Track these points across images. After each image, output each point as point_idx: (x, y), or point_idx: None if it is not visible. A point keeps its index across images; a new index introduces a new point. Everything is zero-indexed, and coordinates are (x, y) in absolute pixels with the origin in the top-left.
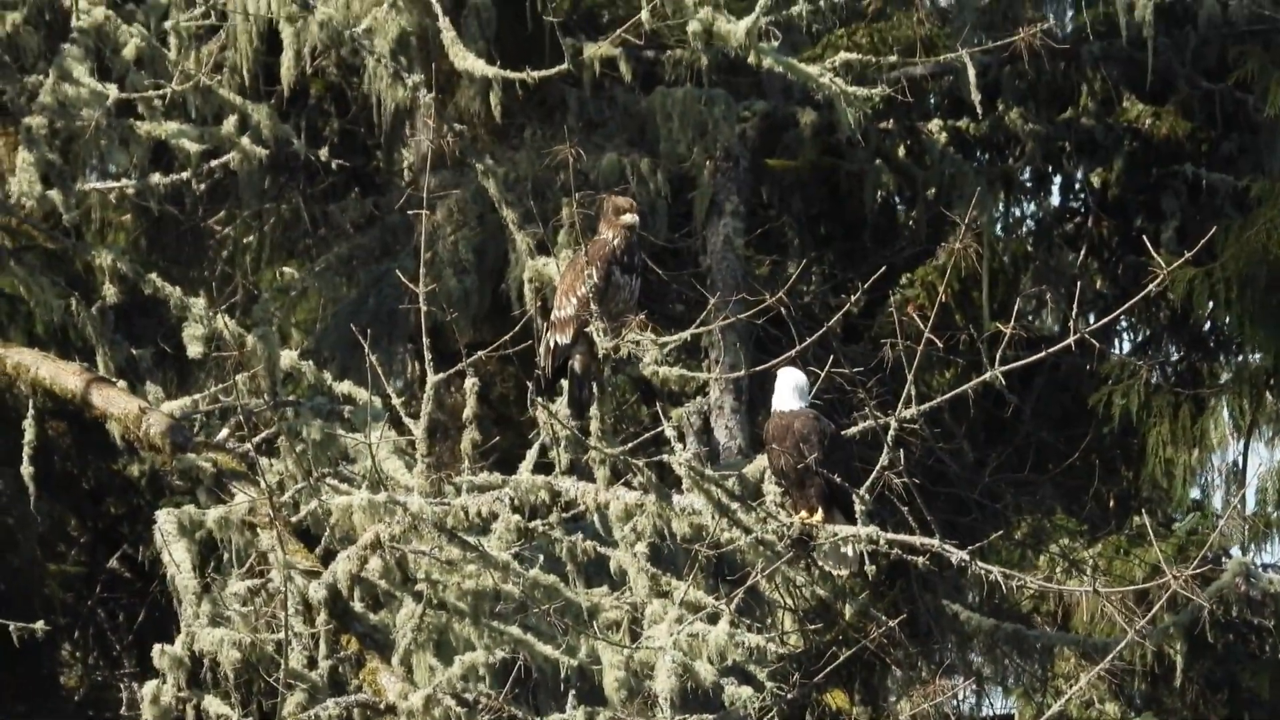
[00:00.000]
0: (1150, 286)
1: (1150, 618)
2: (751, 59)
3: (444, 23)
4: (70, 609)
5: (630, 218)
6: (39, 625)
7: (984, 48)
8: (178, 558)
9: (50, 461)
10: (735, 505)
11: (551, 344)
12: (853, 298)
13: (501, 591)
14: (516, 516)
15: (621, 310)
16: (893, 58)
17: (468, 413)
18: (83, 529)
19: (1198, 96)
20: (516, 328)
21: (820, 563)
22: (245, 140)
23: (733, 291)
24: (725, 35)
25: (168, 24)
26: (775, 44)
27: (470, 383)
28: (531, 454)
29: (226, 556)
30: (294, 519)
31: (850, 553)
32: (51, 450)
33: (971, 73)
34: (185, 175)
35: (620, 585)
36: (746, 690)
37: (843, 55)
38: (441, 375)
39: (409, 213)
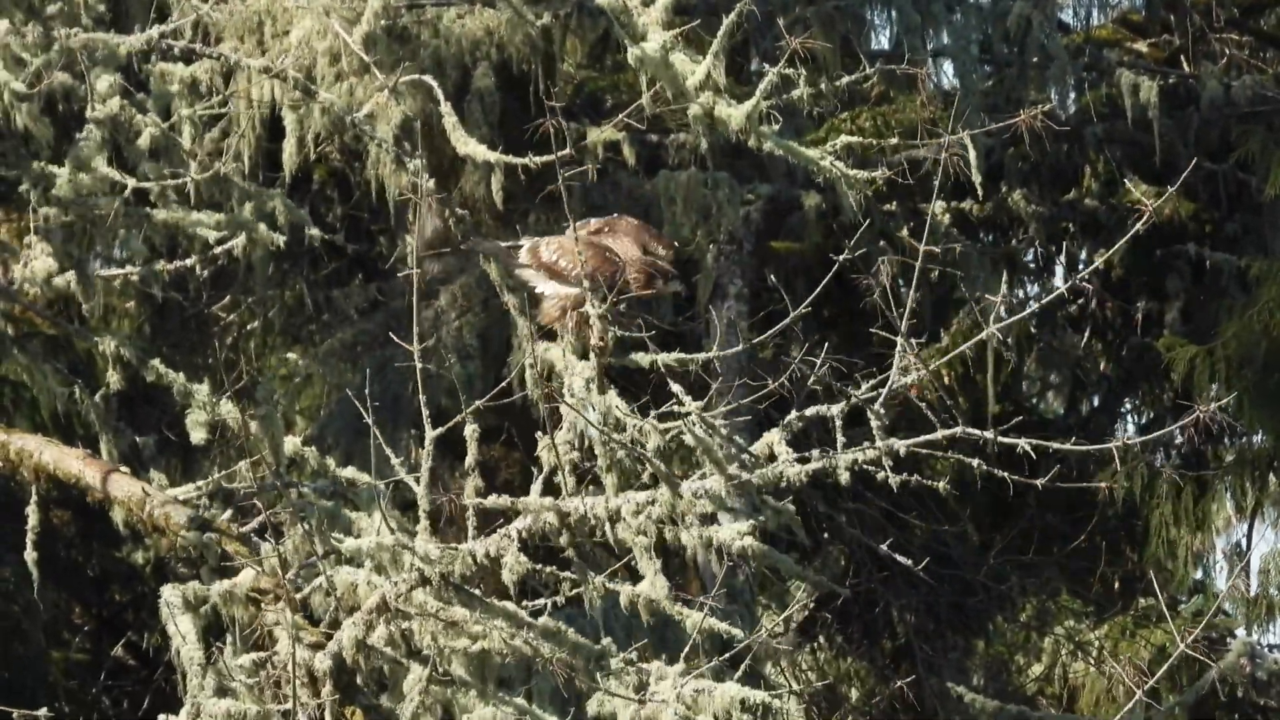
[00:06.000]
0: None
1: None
2: (752, 142)
3: (445, 108)
4: (74, 697)
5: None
6: (42, 713)
7: (986, 129)
8: (183, 629)
9: (55, 549)
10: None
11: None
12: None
13: (509, 649)
14: (525, 558)
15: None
16: (894, 140)
17: (469, 460)
18: (87, 617)
19: (1201, 177)
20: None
21: None
22: (263, 227)
23: (736, 376)
24: (726, 119)
25: (184, 112)
26: (776, 127)
27: (470, 429)
28: (536, 486)
29: (230, 639)
30: (298, 595)
31: None
32: (56, 538)
33: (973, 154)
34: (190, 262)
35: (633, 620)
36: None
37: (844, 138)
38: (440, 430)
39: (399, 274)
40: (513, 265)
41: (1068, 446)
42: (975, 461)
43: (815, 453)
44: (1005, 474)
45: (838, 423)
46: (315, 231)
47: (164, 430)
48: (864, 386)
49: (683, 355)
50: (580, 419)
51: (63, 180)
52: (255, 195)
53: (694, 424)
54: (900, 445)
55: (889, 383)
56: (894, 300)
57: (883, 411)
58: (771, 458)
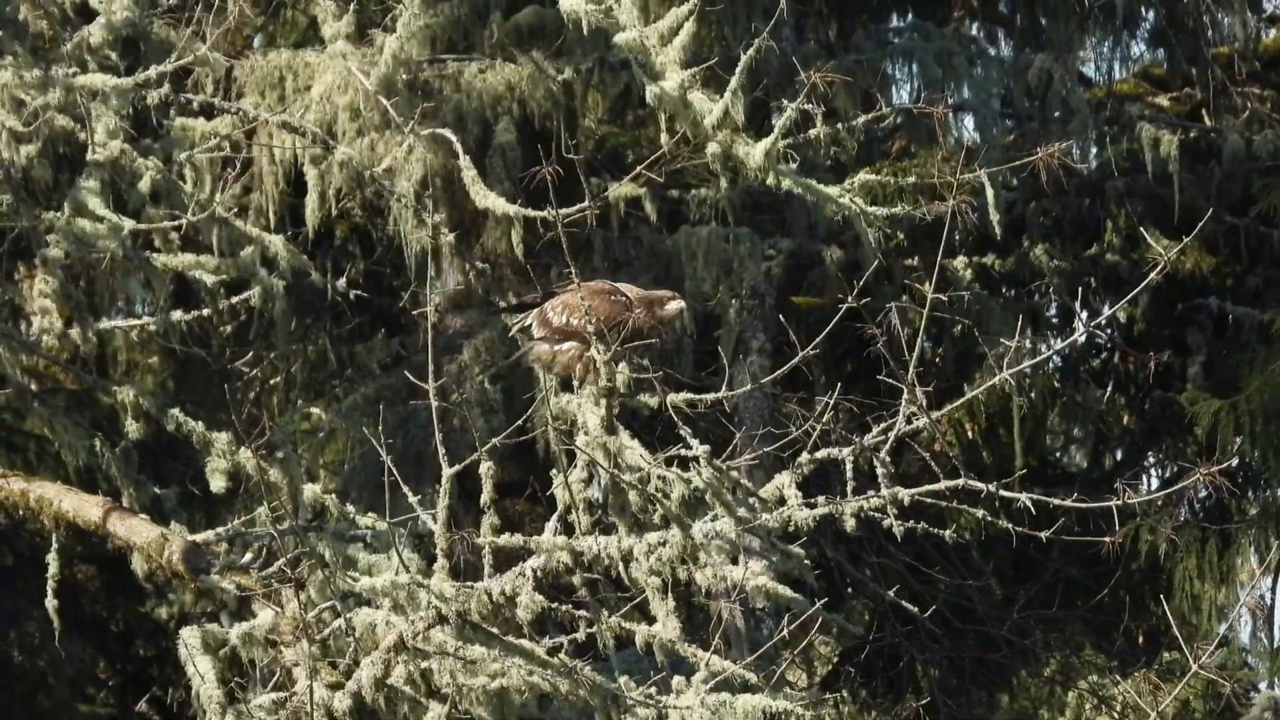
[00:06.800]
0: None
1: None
2: (770, 180)
3: (465, 162)
4: None
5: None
6: None
7: (1003, 167)
8: (202, 669)
9: (79, 604)
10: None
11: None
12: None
13: (526, 684)
14: (540, 596)
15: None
16: (912, 178)
17: (485, 498)
18: (112, 671)
19: (1222, 231)
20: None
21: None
22: (263, 271)
23: (759, 429)
24: (744, 157)
25: (182, 156)
26: (794, 166)
27: (486, 467)
28: (551, 524)
29: (250, 684)
30: (318, 637)
31: None
32: (80, 593)
33: (990, 193)
34: (205, 311)
35: (649, 658)
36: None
37: (863, 176)
38: (457, 468)
39: (413, 313)
40: (530, 355)
41: (1069, 503)
42: (980, 513)
43: (822, 498)
44: (1010, 525)
45: (848, 465)
46: (316, 276)
47: (186, 484)
48: (873, 431)
49: (691, 395)
50: (592, 458)
51: (62, 223)
52: (256, 240)
53: (702, 466)
54: (905, 494)
55: (895, 428)
56: (905, 348)
57: (888, 459)
58: (781, 501)
